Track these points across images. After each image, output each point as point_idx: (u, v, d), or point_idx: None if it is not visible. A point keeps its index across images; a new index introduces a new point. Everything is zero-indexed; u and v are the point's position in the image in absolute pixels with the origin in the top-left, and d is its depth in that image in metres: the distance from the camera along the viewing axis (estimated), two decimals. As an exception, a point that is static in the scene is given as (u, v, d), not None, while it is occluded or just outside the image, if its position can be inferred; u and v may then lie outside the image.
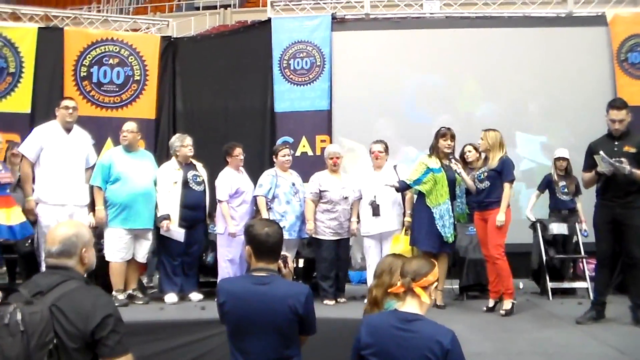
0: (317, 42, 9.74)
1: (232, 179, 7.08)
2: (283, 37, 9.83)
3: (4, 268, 6.12)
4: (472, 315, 6.37)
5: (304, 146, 9.44)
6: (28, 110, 9.18)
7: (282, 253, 3.59)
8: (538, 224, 7.74)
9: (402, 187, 6.81)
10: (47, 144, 6.54)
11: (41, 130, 6.66)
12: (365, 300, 3.97)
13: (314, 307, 3.41)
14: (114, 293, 6.62)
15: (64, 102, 6.78)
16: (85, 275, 2.99)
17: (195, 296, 7.02)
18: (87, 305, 2.71)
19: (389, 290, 3.35)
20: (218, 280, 6.90)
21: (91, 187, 6.75)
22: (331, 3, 10.71)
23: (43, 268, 6.45)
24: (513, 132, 9.35)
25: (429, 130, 7.59)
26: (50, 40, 9.49)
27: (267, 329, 3.27)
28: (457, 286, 7.50)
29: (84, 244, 2.93)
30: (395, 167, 7.08)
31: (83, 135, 6.91)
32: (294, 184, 7.11)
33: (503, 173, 6.36)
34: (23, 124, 8.33)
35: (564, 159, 7.99)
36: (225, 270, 6.95)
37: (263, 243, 3.38)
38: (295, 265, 7.63)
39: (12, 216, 5.90)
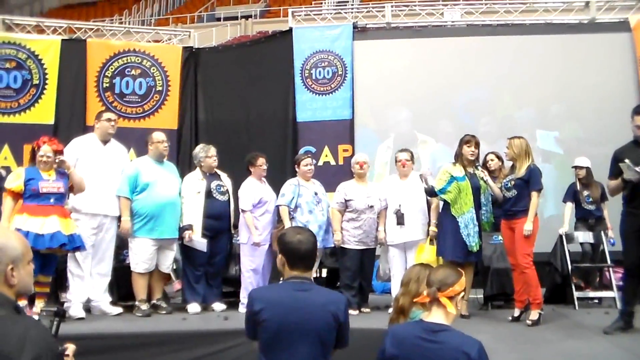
0: (339, 52, 9.70)
1: (255, 188, 7.08)
2: (304, 47, 9.82)
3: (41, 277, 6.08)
4: (498, 325, 6.30)
5: (326, 155, 9.38)
6: (51, 121, 9.21)
7: None
8: (563, 236, 7.66)
9: (430, 192, 6.78)
10: (83, 155, 6.67)
11: (78, 142, 6.83)
12: (390, 310, 3.93)
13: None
14: (137, 303, 6.67)
15: (107, 115, 6.98)
16: (16, 300, 2.33)
17: (218, 306, 7.02)
18: (10, 342, 2.08)
19: (414, 300, 3.31)
20: (241, 291, 6.96)
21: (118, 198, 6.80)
22: (352, 12, 10.73)
23: (70, 277, 6.53)
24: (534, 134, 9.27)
25: (448, 137, 7.56)
26: (73, 52, 9.55)
27: (308, 337, 3.14)
28: (482, 296, 7.43)
29: (11, 259, 2.29)
30: (421, 175, 7.06)
31: (119, 148, 7.06)
32: (316, 194, 7.09)
33: (531, 182, 6.29)
34: (47, 135, 8.34)
35: (580, 167, 7.91)
36: (249, 280, 6.95)
37: (295, 251, 3.25)
38: (318, 275, 7.62)
39: (45, 225, 5.89)
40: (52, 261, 6.16)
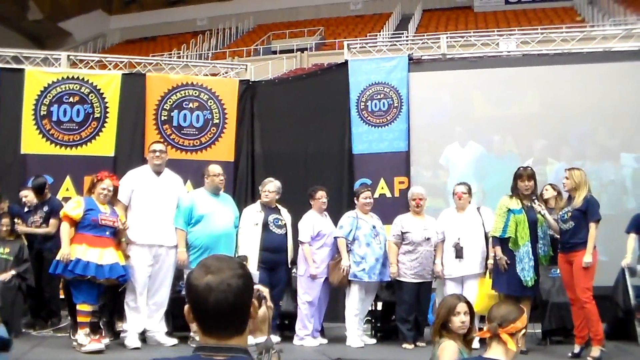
0: (394, 84, 9.67)
1: (314, 221, 7.13)
2: (360, 79, 9.82)
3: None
4: (558, 362, 6.14)
5: (382, 188, 9.28)
6: (112, 153, 9.39)
7: (256, 287, 2.45)
8: (626, 269, 7.37)
9: (496, 244, 6.61)
10: (137, 186, 6.79)
11: (132, 174, 6.94)
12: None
13: None
14: (191, 334, 6.66)
15: (151, 146, 7.07)
16: None
17: (273, 338, 6.94)
18: None
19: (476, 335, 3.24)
20: (296, 323, 6.94)
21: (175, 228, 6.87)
22: (407, 44, 10.72)
23: (127, 309, 6.60)
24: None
25: (507, 168, 7.46)
26: (133, 86, 9.73)
27: None
28: (540, 330, 7.25)
29: None
30: (478, 208, 7.01)
31: (174, 178, 7.12)
32: (374, 227, 7.09)
33: (588, 213, 6.18)
34: (107, 167, 8.50)
35: None
36: (304, 312, 6.94)
37: (200, 303, 1.85)
38: (374, 308, 7.56)
39: (104, 256, 6.10)
40: (99, 290, 6.32)
